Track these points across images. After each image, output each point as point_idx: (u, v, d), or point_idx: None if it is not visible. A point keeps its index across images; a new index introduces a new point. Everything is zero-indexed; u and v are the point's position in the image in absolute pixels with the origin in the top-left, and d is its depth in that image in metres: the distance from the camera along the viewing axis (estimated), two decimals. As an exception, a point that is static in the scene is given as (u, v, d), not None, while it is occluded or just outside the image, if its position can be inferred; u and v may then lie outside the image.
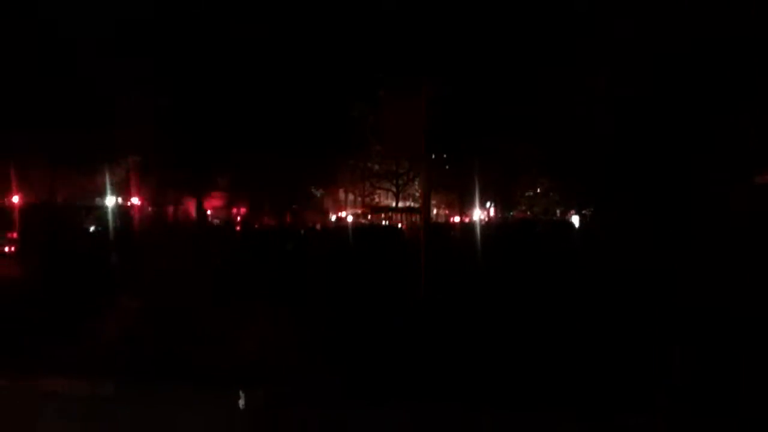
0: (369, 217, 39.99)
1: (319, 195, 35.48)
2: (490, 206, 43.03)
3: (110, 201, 28.42)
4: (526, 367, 5.65)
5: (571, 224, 30.07)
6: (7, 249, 21.43)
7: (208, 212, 27.99)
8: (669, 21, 10.18)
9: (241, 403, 4.74)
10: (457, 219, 42.45)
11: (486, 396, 4.85)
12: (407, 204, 39.39)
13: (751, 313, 6.40)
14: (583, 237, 21.67)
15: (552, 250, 16.20)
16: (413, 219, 35.72)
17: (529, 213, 42.05)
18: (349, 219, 39.32)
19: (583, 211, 30.57)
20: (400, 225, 36.13)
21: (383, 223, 38.88)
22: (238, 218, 27.80)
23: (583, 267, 11.37)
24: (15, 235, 22.27)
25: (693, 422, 4.24)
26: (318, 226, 29.51)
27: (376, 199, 42.22)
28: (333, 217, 39.23)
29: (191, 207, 26.00)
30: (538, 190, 40.75)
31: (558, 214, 39.07)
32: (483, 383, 5.19)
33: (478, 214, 38.92)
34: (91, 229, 24.35)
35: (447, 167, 34.84)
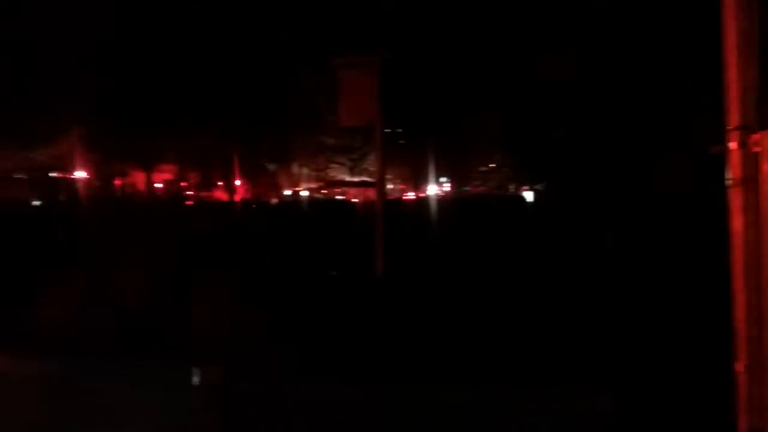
0: (324, 191, 39.70)
1: (272, 169, 34.97)
2: (445, 181, 43.28)
3: (54, 174, 27.43)
4: (484, 344, 5.69)
5: (523, 198, 30.46)
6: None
7: (157, 186, 27.29)
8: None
9: (196, 379, 4.69)
10: (411, 194, 42.57)
11: (442, 373, 4.85)
12: (362, 179, 39.25)
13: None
14: (535, 212, 22.01)
15: (504, 224, 16.39)
16: (368, 193, 35.64)
17: (483, 188, 42.45)
18: (304, 194, 38.97)
19: (536, 187, 30.97)
20: (355, 199, 36.04)
21: (338, 197, 38.69)
22: (188, 192, 27.20)
23: (533, 240, 11.52)
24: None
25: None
26: (273, 201, 29.10)
27: (332, 174, 41.93)
28: (287, 192, 38.75)
29: (139, 180, 25.37)
30: (493, 166, 41.17)
31: (512, 189, 39.55)
32: (436, 361, 5.19)
33: (433, 189, 39.10)
34: (35, 203, 23.62)
35: (402, 141, 34.79)
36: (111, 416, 4.40)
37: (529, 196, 31.78)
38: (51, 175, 26.90)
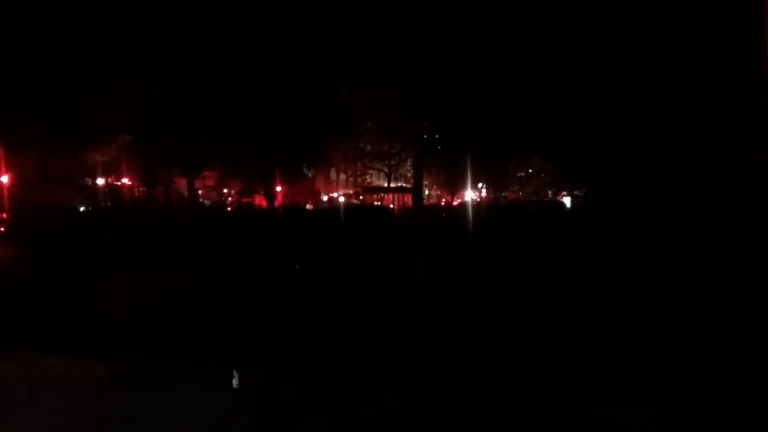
0: (361, 197, 39.92)
1: (310, 175, 35.31)
2: (482, 187, 43.06)
3: (100, 181, 28.27)
4: (520, 351, 5.68)
5: (562, 204, 30.13)
6: (-4, 229, 21.32)
7: (200, 192, 27.81)
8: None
9: (235, 381, 4.75)
10: (449, 200, 42.47)
11: (475, 379, 4.85)
12: (399, 184, 39.31)
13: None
14: (574, 217, 21.72)
15: (543, 230, 16.24)
16: (405, 199, 35.66)
17: (521, 194, 42.12)
18: (341, 199, 39.23)
19: (575, 192, 30.62)
20: (391, 205, 36.10)
21: (376, 203, 38.83)
22: (229, 199, 27.65)
23: (574, 247, 11.38)
24: (4, 215, 22.16)
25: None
26: (309, 206, 29.41)
27: (369, 180, 42.13)
28: (325, 198, 39.11)
29: (182, 187, 25.88)
30: (530, 171, 40.82)
31: (549, 195, 39.17)
32: (473, 368, 5.20)
33: (470, 195, 38.93)
34: (81, 209, 24.27)
35: (439, 147, 34.75)
36: (147, 417, 4.50)
37: (567, 202, 31.45)
38: (97, 181, 27.73)
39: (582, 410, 4.12)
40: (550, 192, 39.57)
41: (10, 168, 24.84)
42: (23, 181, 25.15)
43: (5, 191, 24.15)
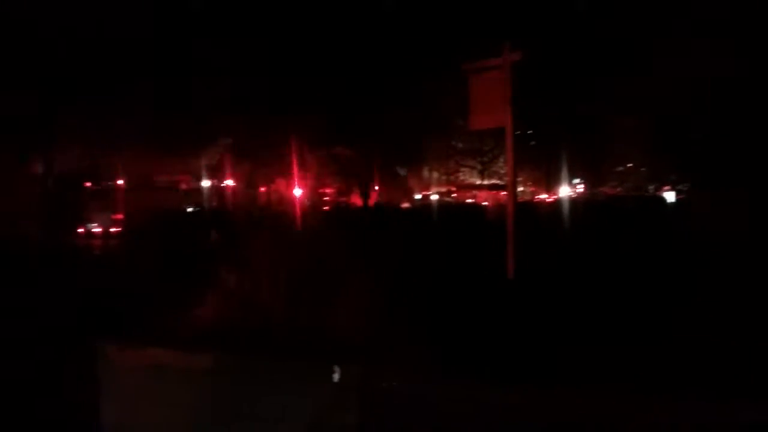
0: (454, 195, 39.87)
1: (403, 173, 35.63)
2: (578, 183, 41.89)
3: (205, 183, 29.78)
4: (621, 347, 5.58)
5: (662, 199, 28.83)
6: (112, 230, 22.99)
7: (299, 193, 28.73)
8: None
9: (336, 377, 4.90)
10: (543, 196, 41.60)
11: (580, 378, 4.82)
12: (492, 182, 38.90)
13: None
14: (679, 214, 20.74)
15: (646, 227, 15.64)
16: (498, 196, 35.29)
17: (619, 189, 40.65)
18: (434, 197, 39.34)
19: (679, 187, 29.24)
20: (485, 203, 35.85)
21: (469, 200, 38.70)
22: (326, 198, 28.37)
23: (679, 246, 10.91)
24: (120, 216, 23.84)
25: None
26: (406, 205, 29.70)
27: (461, 177, 41.98)
28: (418, 196, 39.35)
29: (283, 188, 26.78)
30: (629, 165, 39.33)
31: (650, 190, 37.57)
32: (574, 365, 5.16)
33: (565, 191, 37.95)
34: (189, 209, 25.67)
35: (533, 143, 34.14)
36: (250, 411, 4.71)
37: (669, 196, 30.02)
38: (203, 183, 29.22)
39: (690, 413, 4.02)
40: (650, 187, 37.95)
41: (123, 172, 26.67)
42: (134, 185, 26.93)
43: (119, 194, 25.98)
